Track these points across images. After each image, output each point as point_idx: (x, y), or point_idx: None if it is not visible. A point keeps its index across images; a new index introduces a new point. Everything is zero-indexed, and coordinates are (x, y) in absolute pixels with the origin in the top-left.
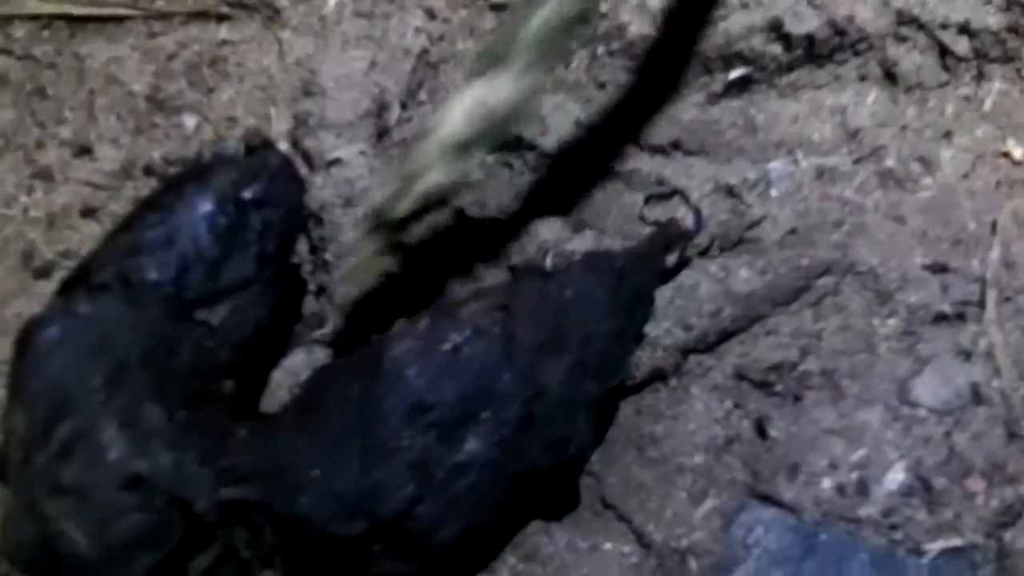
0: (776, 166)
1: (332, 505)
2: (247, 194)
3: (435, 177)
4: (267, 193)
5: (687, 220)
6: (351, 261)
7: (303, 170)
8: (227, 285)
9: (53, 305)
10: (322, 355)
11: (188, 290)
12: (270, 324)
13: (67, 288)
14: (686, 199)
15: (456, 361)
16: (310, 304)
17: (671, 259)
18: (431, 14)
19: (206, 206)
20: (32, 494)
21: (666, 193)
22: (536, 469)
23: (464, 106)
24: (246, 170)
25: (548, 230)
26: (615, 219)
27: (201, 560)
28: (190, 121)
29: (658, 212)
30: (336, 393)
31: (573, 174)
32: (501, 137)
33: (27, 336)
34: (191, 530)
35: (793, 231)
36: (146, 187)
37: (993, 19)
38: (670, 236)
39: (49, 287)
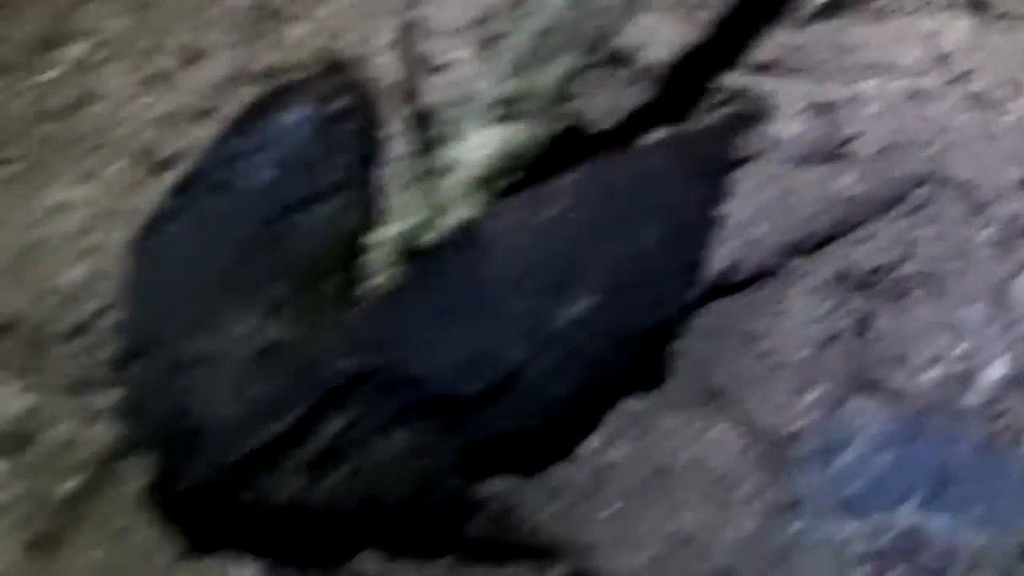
0: (868, 86)
1: (449, 367)
2: (335, 106)
3: (461, 212)
4: (352, 107)
5: (755, 105)
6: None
7: (415, 74)
8: (325, 187)
9: (169, 203)
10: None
11: (290, 190)
12: (364, 225)
13: (176, 192)
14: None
15: (556, 228)
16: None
17: (746, 136)
18: None
19: (301, 114)
20: (163, 370)
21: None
22: (640, 328)
23: (488, 145)
24: (332, 86)
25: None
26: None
27: (331, 425)
28: (296, 31)
29: None
30: (447, 266)
31: (673, 88)
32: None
33: (146, 232)
34: (320, 396)
35: (886, 148)
36: (254, 93)
37: None
38: (742, 114)
39: (164, 182)
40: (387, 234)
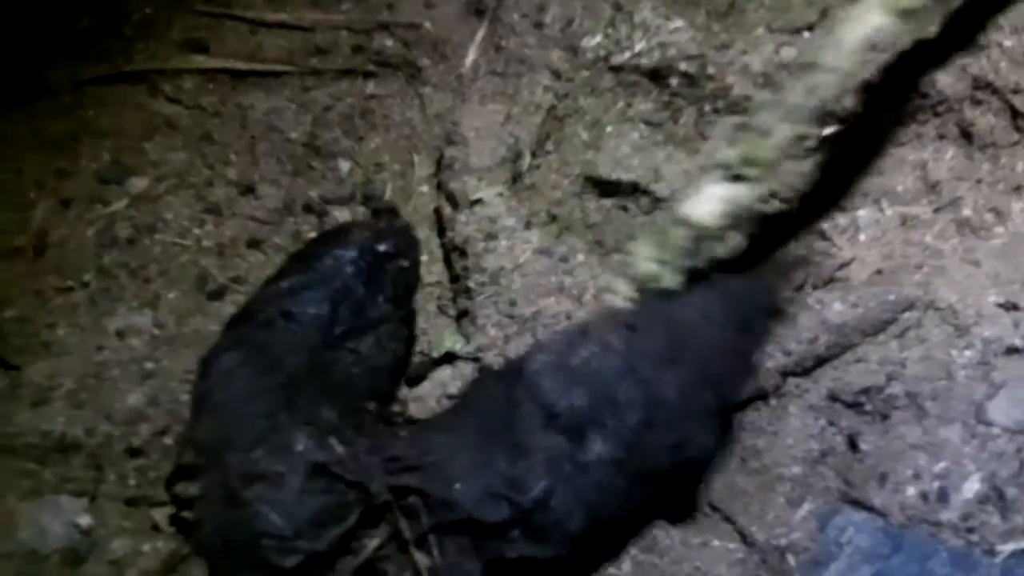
0: (864, 213)
1: (479, 493)
2: (381, 247)
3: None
4: (396, 248)
5: (796, 256)
6: None
7: (447, 209)
8: (370, 320)
9: (227, 336)
10: (468, 370)
11: (339, 323)
12: (404, 355)
13: (235, 323)
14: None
15: (584, 372)
16: (448, 324)
17: (785, 288)
18: (557, 74)
19: (351, 254)
20: (229, 485)
21: None
22: (656, 469)
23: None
24: (379, 228)
25: None
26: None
27: (372, 540)
28: (344, 165)
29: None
30: (485, 399)
31: None
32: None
33: (209, 360)
34: (365, 512)
35: (879, 271)
36: (305, 223)
37: None
38: (783, 266)
39: (222, 308)
40: (428, 359)
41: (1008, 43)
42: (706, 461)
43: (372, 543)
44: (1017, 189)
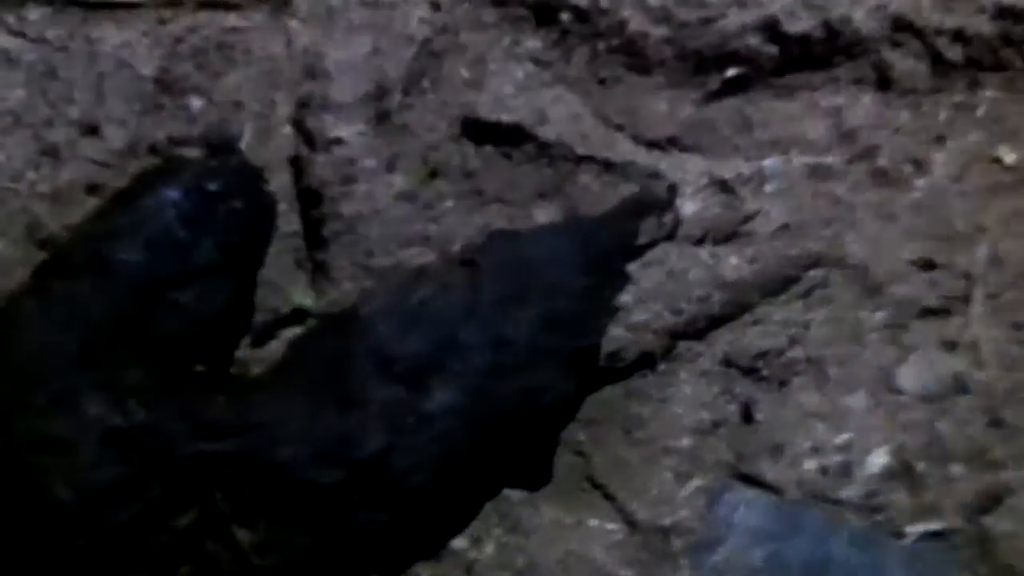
0: (770, 163)
1: (309, 454)
2: (211, 186)
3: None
4: (229, 187)
5: (660, 190)
6: None
7: (305, 149)
8: (195, 267)
9: (29, 284)
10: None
11: (157, 271)
12: (235, 310)
13: (40, 270)
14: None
15: (423, 315)
16: (304, 278)
17: (645, 227)
18: (435, 6)
19: (173, 195)
20: (14, 451)
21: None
22: (507, 418)
23: None
24: (211, 166)
25: (542, 215)
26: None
27: (183, 519)
28: (196, 103)
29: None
30: (314, 351)
31: (570, 165)
32: None
33: (4, 311)
34: (171, 486)
35: (785, 226)
36: (149, 166)
37: (987, 27)
38: (641, 203)
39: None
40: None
41: None
42: (561, 409)
43: (183, 519)
44: (938, 139)
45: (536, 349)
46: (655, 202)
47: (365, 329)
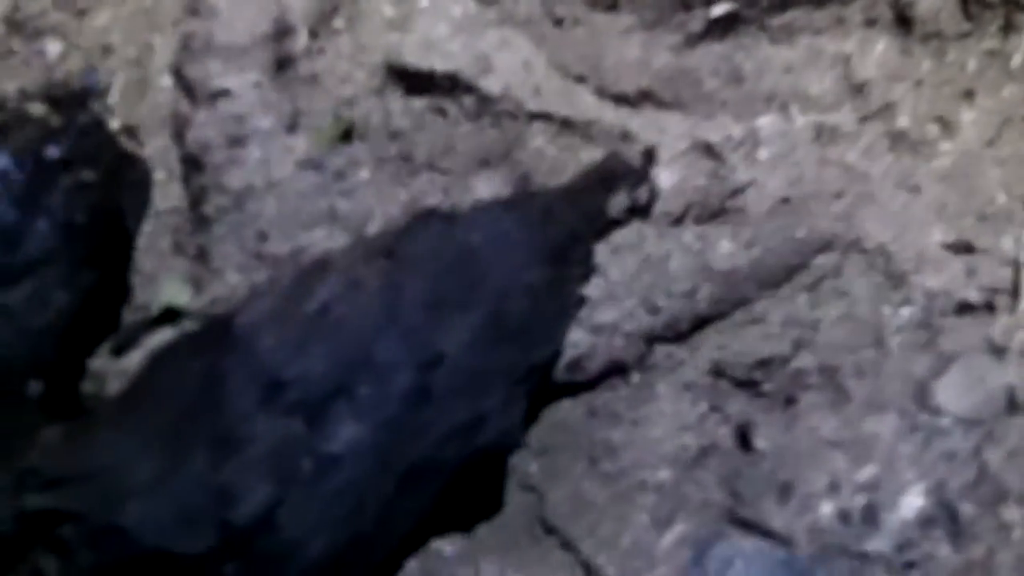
0: (765, 122)
1: (168, 513)
2: (51, 152)
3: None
4: (76, 153)
5: (631, 156)
6: None
7: (184, 103)
8: (27, 259)
9: None
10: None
11: None
12: (82, 311)
13: None
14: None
15: (323, 323)
16: (184, 267)
17: (615, 201)
18: None
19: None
20: None
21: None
22: (438, 462)
23: None
24: (52, 126)
25: (485, 187)
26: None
27: None
28: (54, 48)
29: None
30: (174, 375)
31: (520, 124)
32: None
33: None
34: None
35: (785, 200)
36: None
37: None
38: (609, 171)
39: None
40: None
41: None
42: (509, 449)
43: None
44: (968, 94)
45: (476, 368)
46: (626, 171)
47: (245, 343)
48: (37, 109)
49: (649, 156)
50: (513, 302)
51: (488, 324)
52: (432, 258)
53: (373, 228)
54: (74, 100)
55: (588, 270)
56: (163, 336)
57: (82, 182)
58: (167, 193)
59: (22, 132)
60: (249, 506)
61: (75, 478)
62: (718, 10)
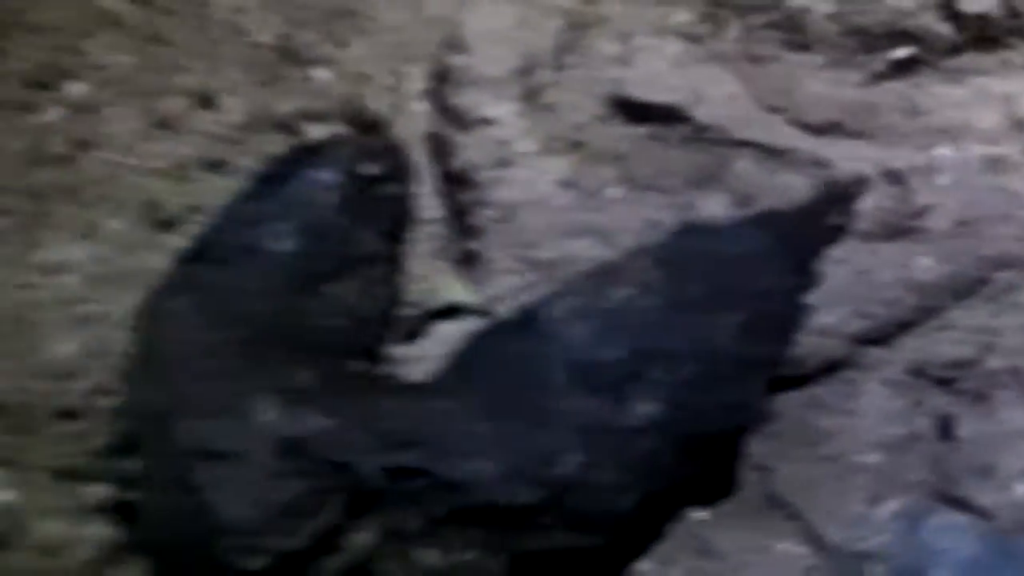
0: (942, 152)
1: (498, 471)
2: (367, 169)
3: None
4: (386, 170)
5: (850, 182)
6: None
7: (447, 127)
8: (355, 259)
9: (176, 275)
10: (474, 325)
11: (314, 262)
12: (395, 303)
13: (186, 259)
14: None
15: (622, 315)
16: (449, 269)
17: (840, 218)
18: None
19: (328, 176)
20: (177, 464)
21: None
22: (713, 435)
23: None
24: (364, 145)
25: (711, 206)
26: (774, 199)
27: (362, 537)
28: (322, 75)
29: None
30: (493, 355)
31: (727, 150)
32: None
33: (153, 305)
34: (352, 500)
35: (963, 222)
36: (275, 141)
37: None
38: (836, 193)
39: (173, 240)
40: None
41: None
42: (750, 429)
43: (362, 539)
44: None
45: (744, 358)
46: (845, 194)
47: (555, 332)
48: (321, 132)
49: (863, 182)
50: (768, 305)
51: (749, 322)
52: (703, 264)
53: (627, 239)
54: (372, 125)
55: (816, 281)
56: (442, 326)
57: (391, 195)
58: (426, 204)
59: (342, 151)
60: (565, 467)
61: (422, 440)
62: (900, 53)
